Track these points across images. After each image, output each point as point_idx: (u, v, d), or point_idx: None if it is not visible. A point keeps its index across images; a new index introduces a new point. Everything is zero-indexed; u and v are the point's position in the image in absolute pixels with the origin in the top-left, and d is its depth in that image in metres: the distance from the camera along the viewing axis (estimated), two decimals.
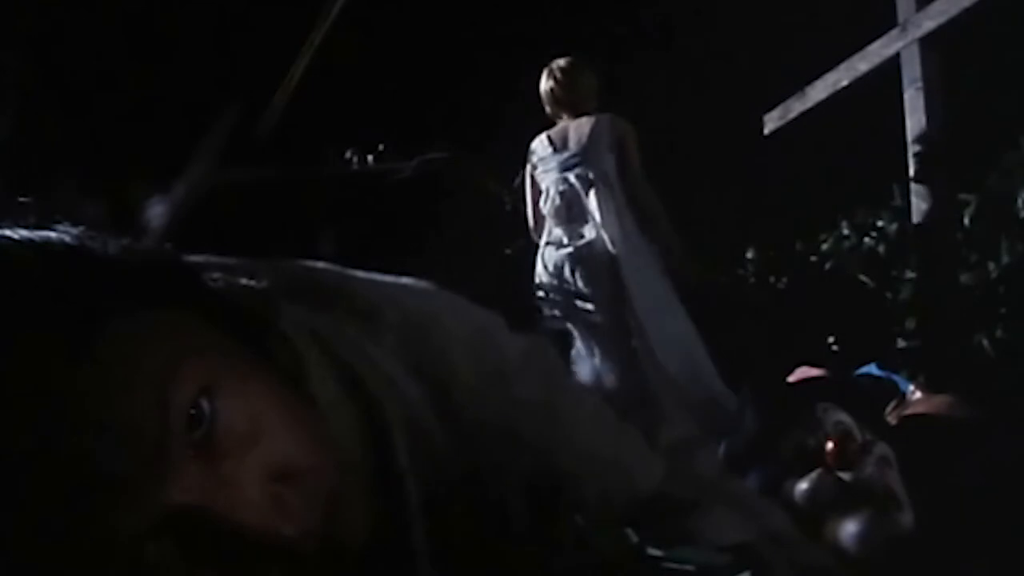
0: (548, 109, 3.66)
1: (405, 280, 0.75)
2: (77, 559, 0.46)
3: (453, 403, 0.68)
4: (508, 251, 4.88)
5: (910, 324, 4.86)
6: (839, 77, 4.58)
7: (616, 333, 3.42)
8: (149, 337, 0.50)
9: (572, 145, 3.52)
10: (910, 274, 4.68)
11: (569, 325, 3.50)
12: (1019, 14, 4.03)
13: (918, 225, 4.21)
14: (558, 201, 3.51)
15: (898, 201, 5.16)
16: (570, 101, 3.57)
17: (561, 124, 3.61)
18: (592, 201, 3.44)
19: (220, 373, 0.51)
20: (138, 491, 0.47)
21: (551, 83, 3.61)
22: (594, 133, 3.49)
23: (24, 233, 0.51)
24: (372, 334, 0.68)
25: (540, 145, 3.62)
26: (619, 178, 3.47)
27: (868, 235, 5.59)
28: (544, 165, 3.58)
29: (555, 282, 3.49)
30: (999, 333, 4.65)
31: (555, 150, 3.55)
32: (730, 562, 0.66)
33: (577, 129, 3.54)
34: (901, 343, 4.90)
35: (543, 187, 3.60)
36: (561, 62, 3.64)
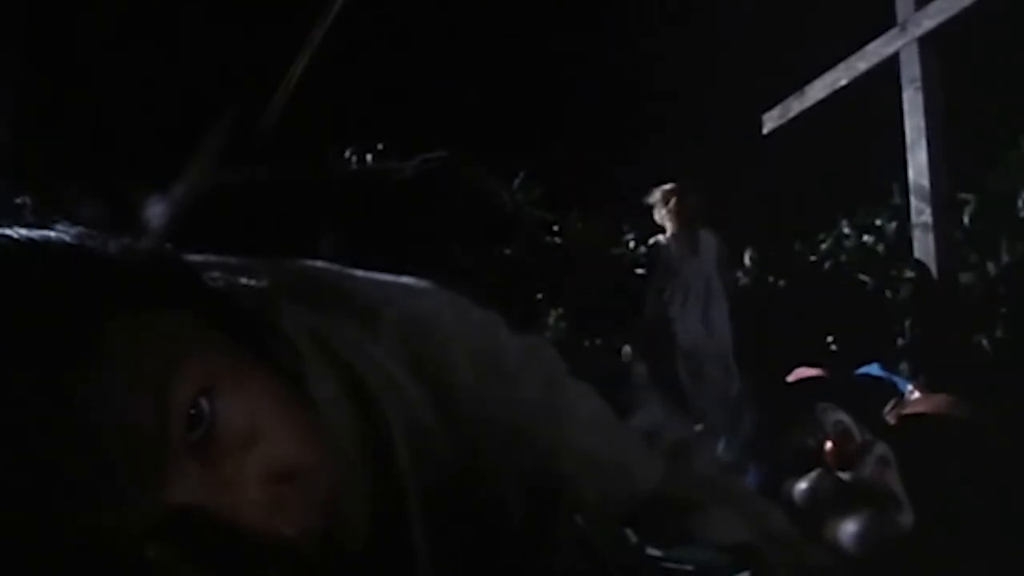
0: (664, 220, 4.64)
1: (405, 280, 0.75)
2: (77, 559, 0.46)
3: (453, 403, 0.68)
4: (508, 251, 4.89)
5: (910, 324, 4.85)
6: (839, 76, 4.58)
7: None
8: (149, 337, 0.49)
9: (693, 255, 4.55)
10: (910, 274, 4.68)
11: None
12: (1019, 14, 4.03)
13: (918, 225, 4.21)
14: (682, 297, 4.51)
15: (898, 201, 5.16)
16: (685, 218, 4.56)
17: (678, 233, 4.59)
18: (704, 298, 4.50)
19: (220, 373, 0.51)
20: (138, 491, 0.47)
21: (674, 203, 4.58)
22: (705, 247, 4.56)
23: (24, 232, 0.51)
24: (372, 333, 0.67)
25: (668, 247, 4.60)
26: (720, 281, 4.58)
27: (868, 235, 5.58)
28: (671, 264, 4.57)
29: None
30: (999, 333, 4.65)
31: (676, 255, 4.56)
32: (730, 562, 0.66)
33: (697, 242, 4.58)
34: (901, 343, 4.89)
35: (668, 281, 4.58)
36: (678, 187, 4.61)
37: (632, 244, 5.98)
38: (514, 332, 0.76)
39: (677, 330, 4.51)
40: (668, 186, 4.65)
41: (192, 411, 0.49)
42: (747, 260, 5.80)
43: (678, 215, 4.58)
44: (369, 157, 5.52)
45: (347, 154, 5.55)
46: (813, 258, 5.75)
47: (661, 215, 4.66)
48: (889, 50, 4.27)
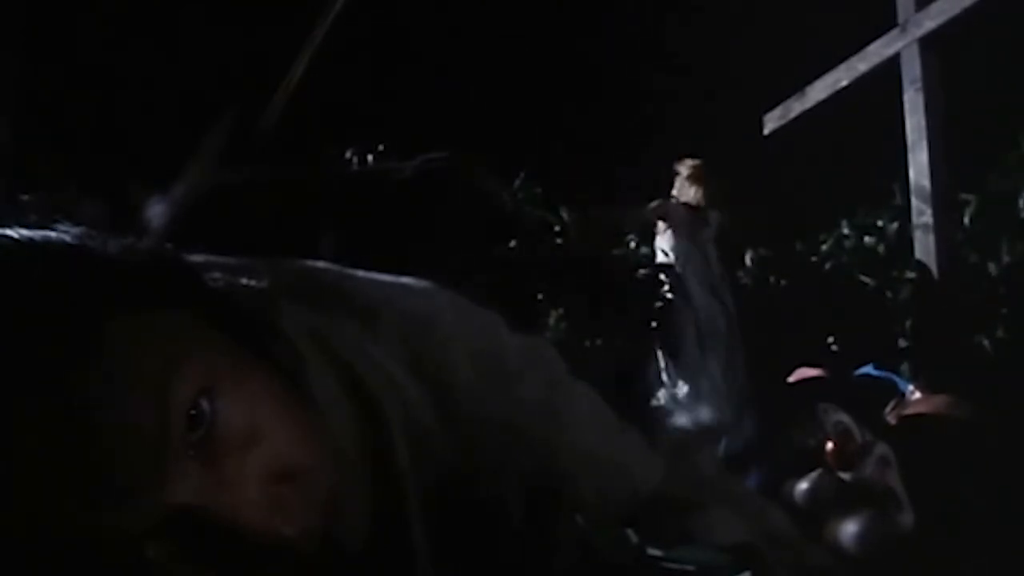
0: (685, 190, 4.81)
1: (405, 280, 0.75)
2: (77, 559, 0.46)
3: (453, 403, 0.68)
4: (507, 251, 4.88)
5: (911, 324, 4.85)
6: (839, 77, 4.59)
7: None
8: (149, 337, 0.49)
9: (704, 227, 4.75)
10: (911, 274, 4.67)
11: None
12: (1019, 14, 4.03)
13: (918, 225, 4.20)
14: (684, 261, 4.72)
15: (898, 201, 5.16)
16: (706, 193, 4.74)
17: (696, 205, 4.75)
18: (709, 272, 4.71)
19: (220, 373, 0.51)
20: (138, 491, 0.47)
21: (702, 177, 4.76)
22: (711, 221, 4.76)
23: (25, 232, 0.51)
24: (372, 333, 0.67)
25: (680, 210, 4.77)
26: (717, 253, 4.78)
27: (868, 235, 5.58)
28: (679, 228, 4.76)
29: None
30: (999, 333, 4.65)
31: (688, 222, 4.72)
32: (730, 562, 0.66)
33: (707, 218, 4.79)
34: (901, 343, 4.89)
35: (675, 243, 4.78)
36: (701, 166, 4.80)
37: (632, 244, 5.98)
38: (514, 332, 0.76)
39: (693, 292, 4.65)
40: (697, 160, 4.82)
41: (192, 411, 0.49)
42: (748, 260, 5.80)
43: (701, 189, 4.74)
44: (369, 157, 5.51)
45: (347, 154, 5.54)
46: (814, 258, 5.74)
47: (683, 185, 4.81)
48: (890, 51, 4.27)
